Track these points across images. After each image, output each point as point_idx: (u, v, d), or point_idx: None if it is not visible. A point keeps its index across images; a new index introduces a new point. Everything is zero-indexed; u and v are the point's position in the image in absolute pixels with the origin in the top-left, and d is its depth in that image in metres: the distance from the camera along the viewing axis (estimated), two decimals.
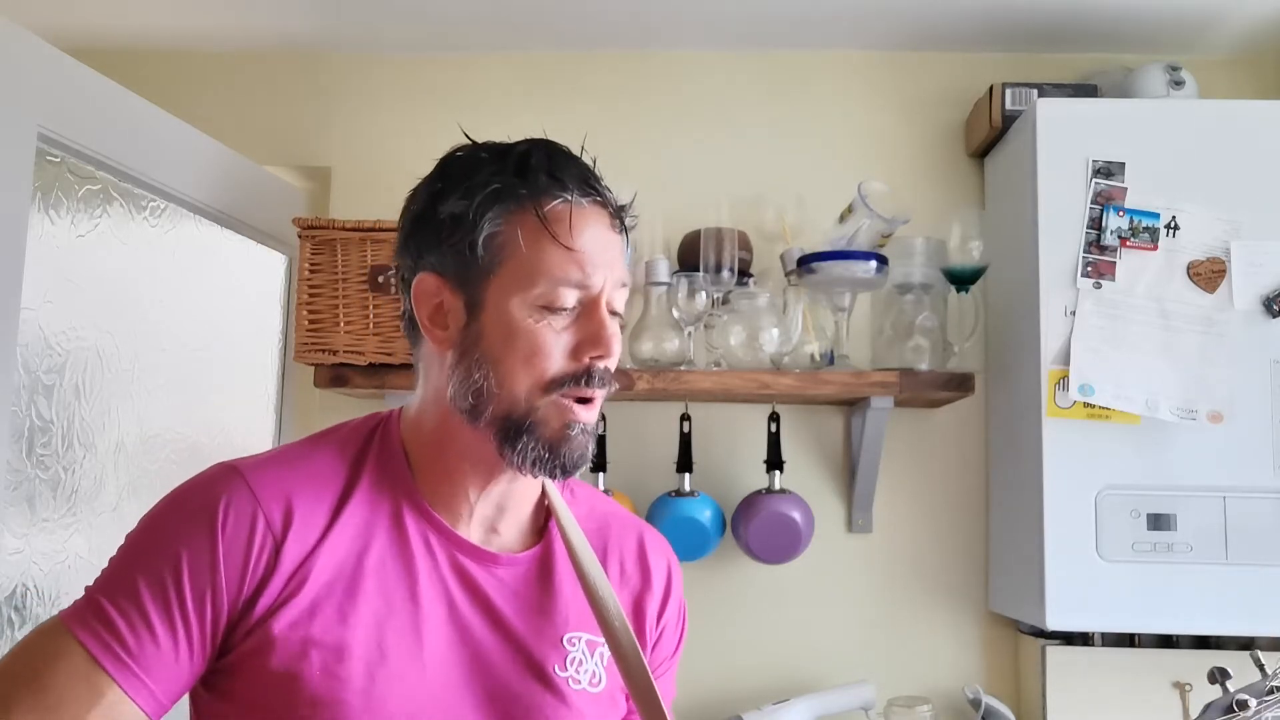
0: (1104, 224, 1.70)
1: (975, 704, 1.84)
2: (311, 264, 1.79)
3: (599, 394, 0.93)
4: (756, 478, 1.95)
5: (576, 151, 0.97)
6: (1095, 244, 1.70)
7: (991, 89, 1.93)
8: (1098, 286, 1.69)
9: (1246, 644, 1.72)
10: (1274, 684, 1.08)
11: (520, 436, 0.91)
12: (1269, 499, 1.65)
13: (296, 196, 2.14)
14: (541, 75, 2.14)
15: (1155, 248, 1.69)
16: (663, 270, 1.87)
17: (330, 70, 2.16)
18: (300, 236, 1.79)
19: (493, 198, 0.91)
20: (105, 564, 0.90)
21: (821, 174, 2.06)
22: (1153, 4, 1.90)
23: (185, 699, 0.93)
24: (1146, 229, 1.70)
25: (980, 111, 1.99)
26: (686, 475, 1.93)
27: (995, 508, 1.97)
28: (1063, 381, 1.68)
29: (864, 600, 2.01)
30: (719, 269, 1.82)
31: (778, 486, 1.91)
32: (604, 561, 1.02)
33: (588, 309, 0.92)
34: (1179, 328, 1.68)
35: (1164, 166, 1.71)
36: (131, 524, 0.92)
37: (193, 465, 0.94)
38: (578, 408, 0.92)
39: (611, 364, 0.94)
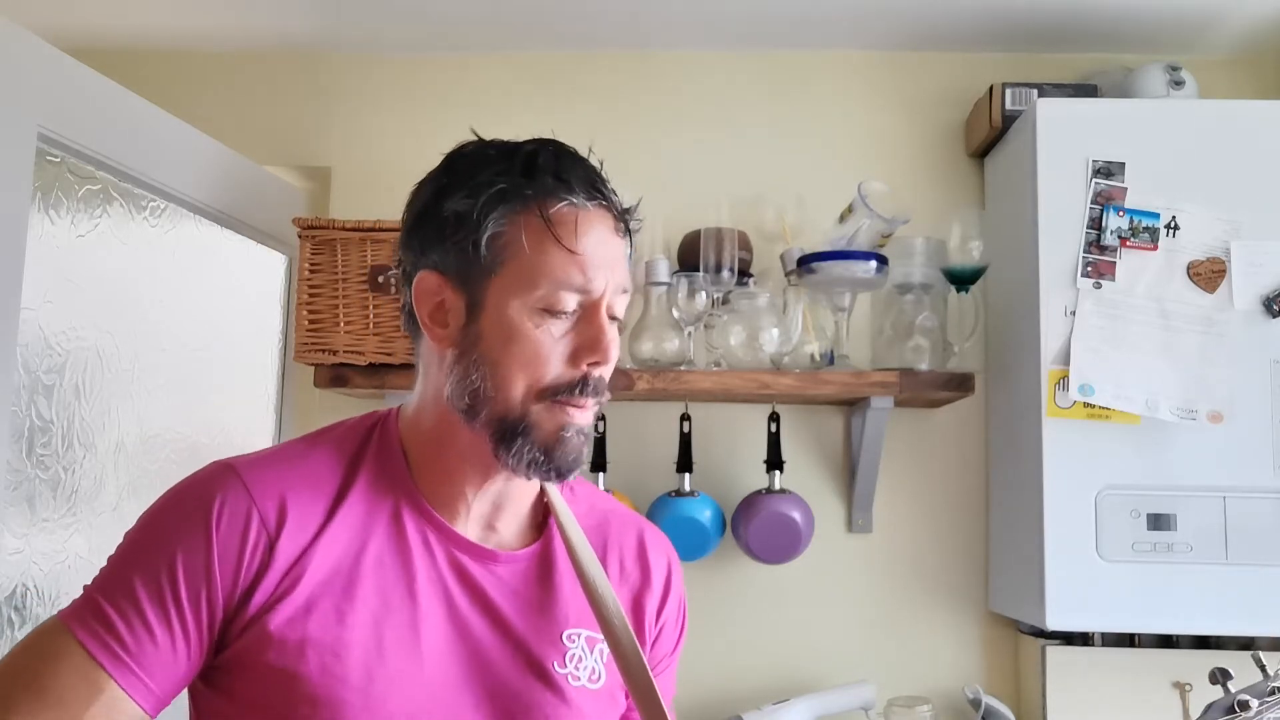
0: (1104, 224, 1.70)
1: (975, 704, 1.84)
2: (311, 264, 1.79)
3: (592, 403, 0.93)
4: (756, 478, 1.95)
5: (584, 153, 0.96)
6: (1095, 244, 1.70)
7: (991, 89, 1.93)
8: (1098, 286, 1.69)
9: (1246, 644, 1.72)
10: (1275, 684, 1.08)
11: (515, 439, 0.91)
12: (1269, 499, 1.65)
13: (296, 196, 2.14)
14: (541, 75, 2.14)
15: (1155, 248, 1.70)
16: (663, 270, 1.87)
17: (330, 70, 2.16)
18: (300, 236, 1.79)
19: (498, 198, 0.91)
20: (105, 563, 0.90)
21: (821, 174, 2.06)
22: (1153, 4, 1.90)
23: (185, 697, 0.93)
24: (1146, 229, 1.70)
25: (980, 111, 1.99)
26: (686, 475, 1.93)
27: (995, 508, 1.97)
28: (1063, 381, 1.68)
29: (864, 600, 2.01)
30: (719, 269, 1.82)
31: (778, 486, 1.91)
32: (603, 559, 1.02)
33: (587, 313, 0.92)
34: (1179, 328, 1.68)
35: (1164, 166, 1.71)
36: (131, 524, 0.92)
37: (193, 465, 0.94)
38: (573, 410, 0.92)
39: (608, 371, 0.94)
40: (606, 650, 0.98)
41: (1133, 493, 1.67)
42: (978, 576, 2.01)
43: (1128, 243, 1.70)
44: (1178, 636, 1.79)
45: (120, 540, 0.91)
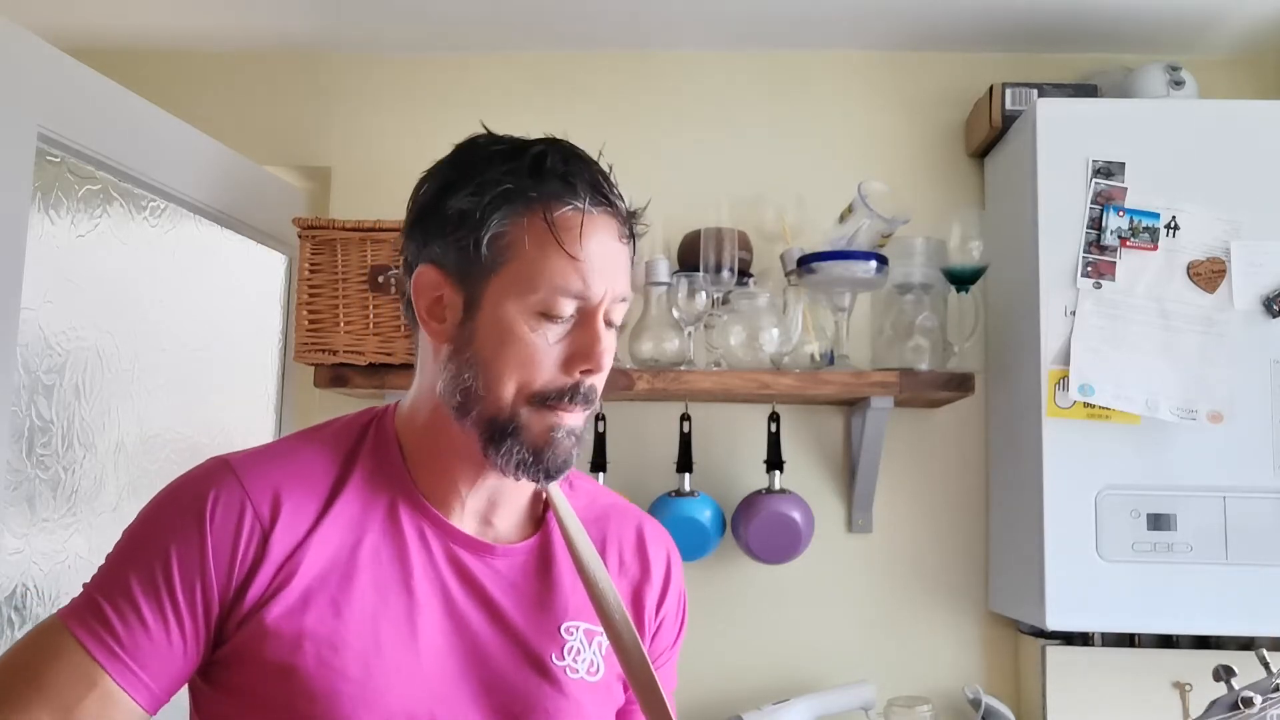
0: (1104, 224, 1.70)
1: (975, 704, 1.84)
2: (311, 264, 1.79)
3: (582, 411, 0.93)
4: (756, 478, 1.95)
5: (594, 155, 0.95)
6: (1095, 244, 1.70)
7: (991, 89, 1.93)
8: (1098, 286, 1.69)
9: (1246, 644, 1.72)
10: (1279, 681, 1.08)
11: (504, 440, 0.91)
12: (1269, 499, 1.65)
13: (296, 196, 2.14)
14: (541, 75, 2.14)
15: (1155, 248, 1.69)
16: (663, 270, 1.87)
17: (330, 70, 2.16)
18: (300, 236, 1.79)
19: (502, 198, 0.90)
20: (103, 560, 0.90)
21: (821, 174, 2.06)
22: (1153, 4, 1.90)
23: (186, 694, 0.93)
24: (1146, 229, 1.70)
25: (980, 111, 1.99)
26: (686, 475, 1.93)
27: (995, 508, 1.97)
28: (1063, 381, 1.68)
29: (864, 600, 2.01)
30: (719, 269, 1.82)
31: (778, 486, 1.91)
32: (602, 552, 1.02)
33: (584, 320, 0.91)
34: (1179, 328, 1.68)
35: (1164, 166, 1.71)
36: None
37: (192, 465, 0.94)
38: (562, 413, 0.92)
39: (600, 380, 0.94)
40: (605, 643, 0.98)
41: (1133, 493, 1.67)
42: (978, 576, 2.01)
43: (1128, 243, 1.70)
44: (1178, 636, 1.79)
45: (118, 538, 0.91)
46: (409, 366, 1.01)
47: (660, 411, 2.00)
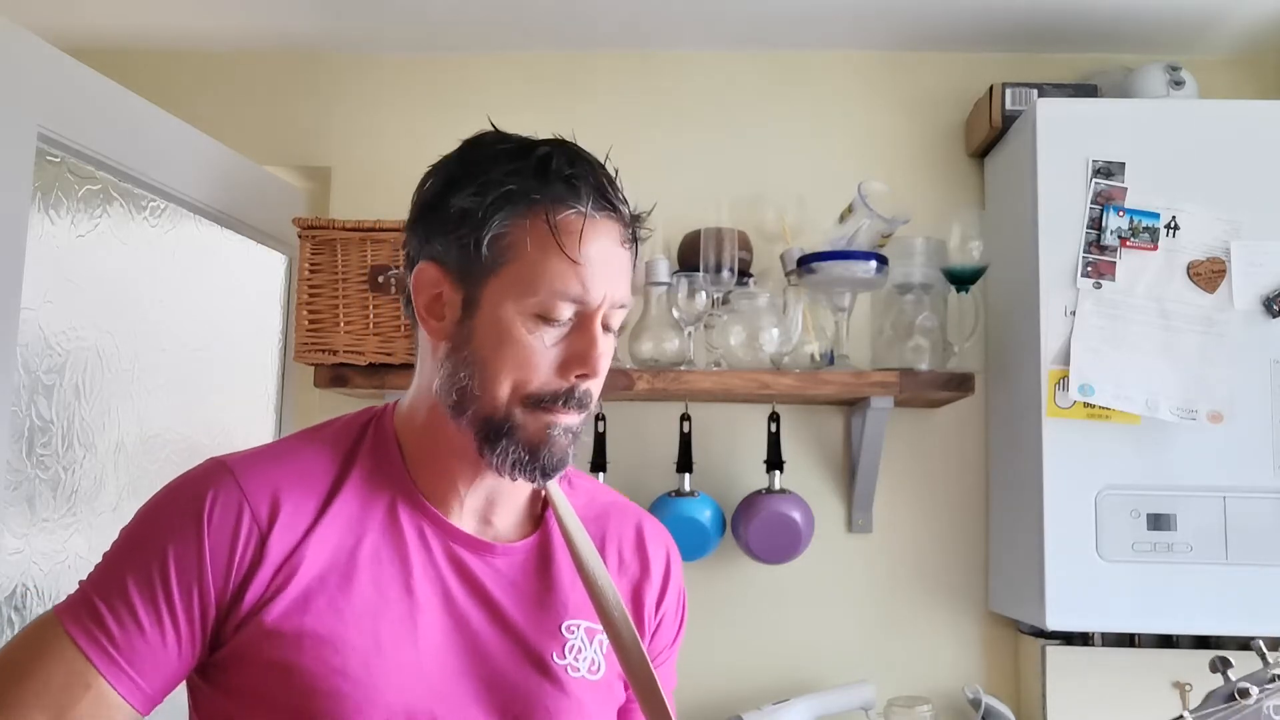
0: (1104, 224, 1.70)
1: (975, 704, 1.84)
2: (311, 264, 1.79)
3: (577, 414, 0.93)
4: (756, 478, 1.95)
5: (601, 157, 0.95)
6: (1095, 244, 1.70)
7: (991, 89, 1.93)
8: (1098, 286, 1.69)
9: (1246, 644, 1.70)
10: (1275, 672, 1.08)
11: (500, 440, 0.91)
12: (1269, 499, 1.65)
13: (296, 196, 2.14)
14: (541, 75, 2.14)
15: (1155, 248, 1.69)
16: (663, 270, 1.87)
17: (330, 70, 2.16)
18: (300, 236, 1.79)
19: (505, 198, 0.90)
20: (100, 559, 0.90)
21: (821, 174, 2.06)
22: (1153, 4, 1.90)
23: (185, 694, 0.93)
24: (1146, 229, 1.70)
25: (980, 111, 1.99)
26: (686, 475, 1.93)
27: (995, 508, 1.97)
28: (1063, 381, 1.68)
29: (864, 600, 2.01)
30: (719, 269, 1.82)
31: (778, 486, 1.91)
32: (602, 550, 1.02)
33: (582, 324, 0.91)
34: (1179, 328, 1.68)
35: (1164, 166, 1.71)
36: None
37: (192, 465, 0.94)
38: (558, 414, 0.92)
39: (596, 385, 0.94)
40: (606, 641, 0.98)
41: (1133, 493, 1.67)
42: (978, 576, 2.01)
43: (1128, 243, 1.70)
44: (1178, 636, 1.79)
45: (116, 537, 0.91)
46: (409, 366, 1.01)
47: (660, 411, 2.00)
